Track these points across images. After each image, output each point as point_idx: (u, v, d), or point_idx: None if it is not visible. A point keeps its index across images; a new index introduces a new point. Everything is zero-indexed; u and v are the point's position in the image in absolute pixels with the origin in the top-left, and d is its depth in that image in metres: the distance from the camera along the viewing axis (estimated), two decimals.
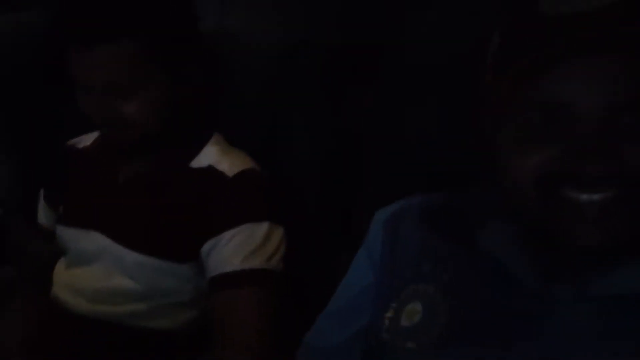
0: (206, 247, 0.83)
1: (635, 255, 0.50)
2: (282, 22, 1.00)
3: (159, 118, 0.84)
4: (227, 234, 0.82)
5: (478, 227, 0.57)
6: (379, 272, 0.62)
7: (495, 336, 0.51)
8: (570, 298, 0.50)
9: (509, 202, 0.53)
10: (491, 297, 0.53)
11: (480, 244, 0.56)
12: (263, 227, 0.83)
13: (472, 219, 0.58)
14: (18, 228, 1.41)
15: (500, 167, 0.52)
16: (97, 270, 0.89)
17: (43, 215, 1.03)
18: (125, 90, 0.81)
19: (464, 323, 0.53)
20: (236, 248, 0.81)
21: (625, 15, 0.45)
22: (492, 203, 0.58)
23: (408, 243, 0.61)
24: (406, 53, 0.79)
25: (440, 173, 0.75)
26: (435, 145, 0.75)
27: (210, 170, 0.86)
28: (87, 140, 1.00)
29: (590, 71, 0.46)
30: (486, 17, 0.66)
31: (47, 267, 0.99)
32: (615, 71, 0.46)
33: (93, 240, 0.89)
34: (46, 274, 0.98)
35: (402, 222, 0.63)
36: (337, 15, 0.95)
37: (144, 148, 0.87)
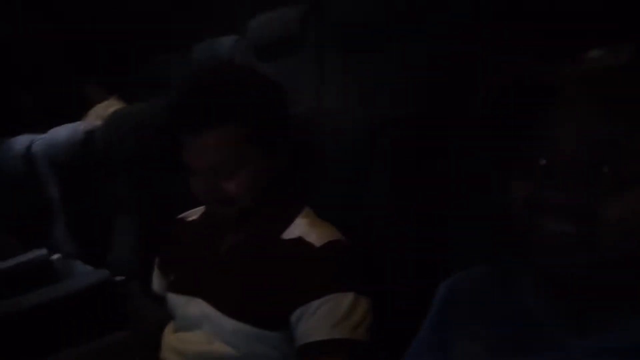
0: (295, 315, 0.87)
1: None
2: (368, 102, 1.08)
3: (255, 193, 0.92)
4: (315, 303, 0.85)
5: (521, 286, 0.62)
6: (432, 334, 0.67)
7: None
8: (595, 349, 0.53)
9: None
10: (528, 353, 0.57)
11: (519, 299, 0.61)
12: (349, 298, 0.85)
13: (519, 281, 0.63)
14: (135, 294, 1.56)
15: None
16: (199, 335, 0.96)
17: (157, 282, 1.13)
18: (227, 171, 0.89)
19: None
20: (323, 318, 0.84)
21: (609, 78, 0.52)
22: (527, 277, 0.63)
23: (462, 306, 0.66)
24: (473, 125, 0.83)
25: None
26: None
27: (299, 241, 0.91)
28: (194, 214, 1.11)
29: (575, 117, 0.52)
30: None
31: (158, 331, 1.08)
32: (594, 122, 0.51)
33: (197, 307, 0.96)
34: (157, 337, 1.07)
35: (461, 287, 0.68)
36: (414, 95, 1.01)
37: (243, 221, 0.95)
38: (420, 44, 1.10)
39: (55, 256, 2.02)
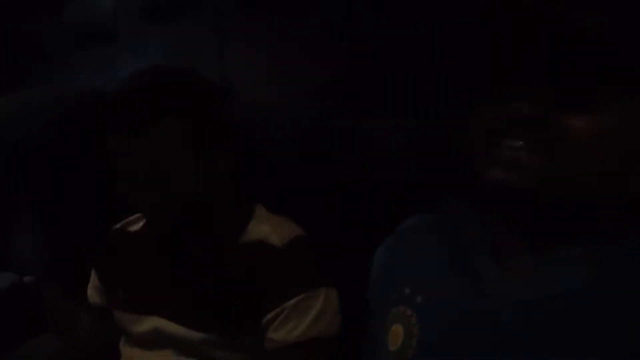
0: (267, 319, 0.86)
1: (586, 248, 0.52)
2: (275, 76, 1.04)
3: (202, 190, 0.88)
4: (288, 305, 0.84)
5: (456, 235, 0.62)
6: (371, 306, 0.68)
7: (460, 351, 0.55)
8: (526, 297, 0.52)
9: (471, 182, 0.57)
10: (456, 310, 0.57)
11: (455, 248, 0.61)
12: (321, 294, 0.85)
13: (452, 231, 0.63)
14: (54, 297, 1.44)
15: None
16: (159, 352, 0.93)
17: (96, 296, 1.05)
18: (171, 167, 0.84)
19: (431, 343, 0.57)
20: (297, 318, 0.84)
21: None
22: (466, 212, 0.63)
23: (396, 267, 0.67)
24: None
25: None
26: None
27: (261, 244, 0.89)
28: (135, 224, 1.03)
29: None
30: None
31: (102, 343, 1.03)
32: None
33: (152, 324, 0.92)
34: (100, 349, 1.02)
35: (394, 249, 0.69)
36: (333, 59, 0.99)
37: (195, 226, 0.90)
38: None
39: None
